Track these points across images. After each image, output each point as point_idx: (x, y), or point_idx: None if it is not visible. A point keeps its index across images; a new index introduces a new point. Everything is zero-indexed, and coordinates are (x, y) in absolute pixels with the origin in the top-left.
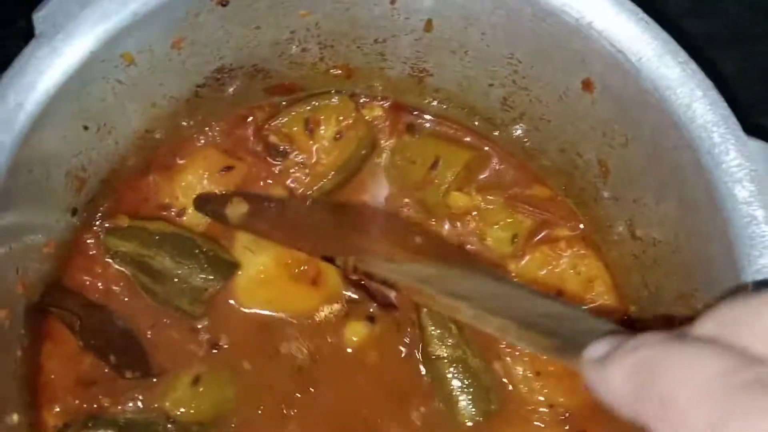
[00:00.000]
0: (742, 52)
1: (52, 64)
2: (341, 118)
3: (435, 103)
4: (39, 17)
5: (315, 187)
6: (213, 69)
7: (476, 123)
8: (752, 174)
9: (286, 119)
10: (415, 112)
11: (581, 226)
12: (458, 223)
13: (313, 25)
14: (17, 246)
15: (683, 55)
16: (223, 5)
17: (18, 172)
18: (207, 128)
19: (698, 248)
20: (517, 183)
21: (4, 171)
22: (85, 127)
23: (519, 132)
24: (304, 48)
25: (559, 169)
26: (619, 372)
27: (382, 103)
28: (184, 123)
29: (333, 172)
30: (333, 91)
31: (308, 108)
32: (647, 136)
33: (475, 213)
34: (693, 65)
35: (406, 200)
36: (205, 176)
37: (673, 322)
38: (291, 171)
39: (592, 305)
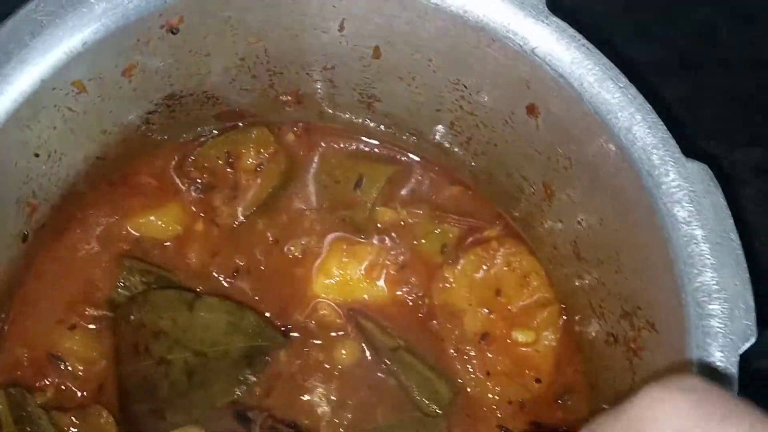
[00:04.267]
0: (686, 79)
1: (2, 92)
2: (261, 149)
3: (382, 127)
4: None
5: (238, 221)
6: (163, 96)
7: (422, 146)
8: (691, 195)
9: (207, 152)
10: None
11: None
12: (386, 238)
13: (262, 53)
14: None
15: (623, 79)
16: (173, 33)
17: None
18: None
19: (639, 267)
20: (438, 189)
21: None
22: (36, 155)
23: (467, 157)
24: (253, 75)
25: (506, 192)
26: None
27: (294, 128)
28: (136, 149)
29: (255, 208)
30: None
31: (229, 141)
32: (590, 158)
33: (402, 227)
34: (633, 90)
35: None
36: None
37: (617, 341)
38: (215, 205)
39: (531, 300)
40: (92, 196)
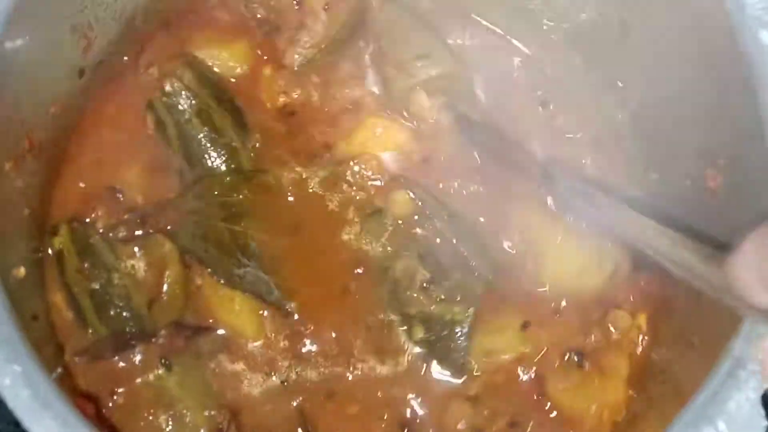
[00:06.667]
0: None
1: None
2: None
3: None
4: None
5: (306, 60)
6: None
7: None
8: None
9: None
10: None
11: None
12: (413, 122)
13: None
14: (23, 97)
15: None
16: None
17: (22, 16)
18: None
19: (719, 101)
20: None
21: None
22: None
23: None
24: None
25: (581, 34)
26: None
27: None
28: None
29: (324, 45)
30: None
31: None
32: None
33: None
34: None
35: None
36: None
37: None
38: (280, 47)
39: None
40: (153, 32)
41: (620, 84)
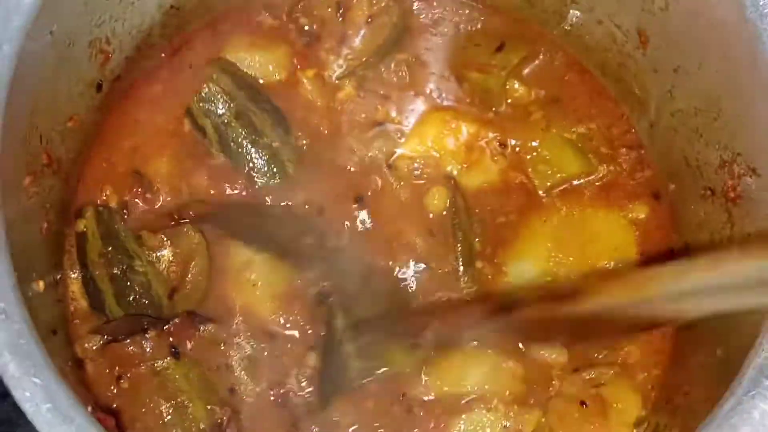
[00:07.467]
0: None
1: None
2: (374, 1)
3: None
4: None
5: (347, 72)
6: None
7: None
8: None
9: (317, 1)
10: None
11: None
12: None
13: None
14: (41, 112)
15: None
16: None
17: (38, 31)
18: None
19: (740, 110)
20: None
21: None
22: None
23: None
24: None
25: (597, 43)
26: None
27: None
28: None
29: (365, 58)
30: None
31: None
32: None
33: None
34: None
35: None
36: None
37: (715, 193)
38: (321, 57)
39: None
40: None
41: (638, 93)
